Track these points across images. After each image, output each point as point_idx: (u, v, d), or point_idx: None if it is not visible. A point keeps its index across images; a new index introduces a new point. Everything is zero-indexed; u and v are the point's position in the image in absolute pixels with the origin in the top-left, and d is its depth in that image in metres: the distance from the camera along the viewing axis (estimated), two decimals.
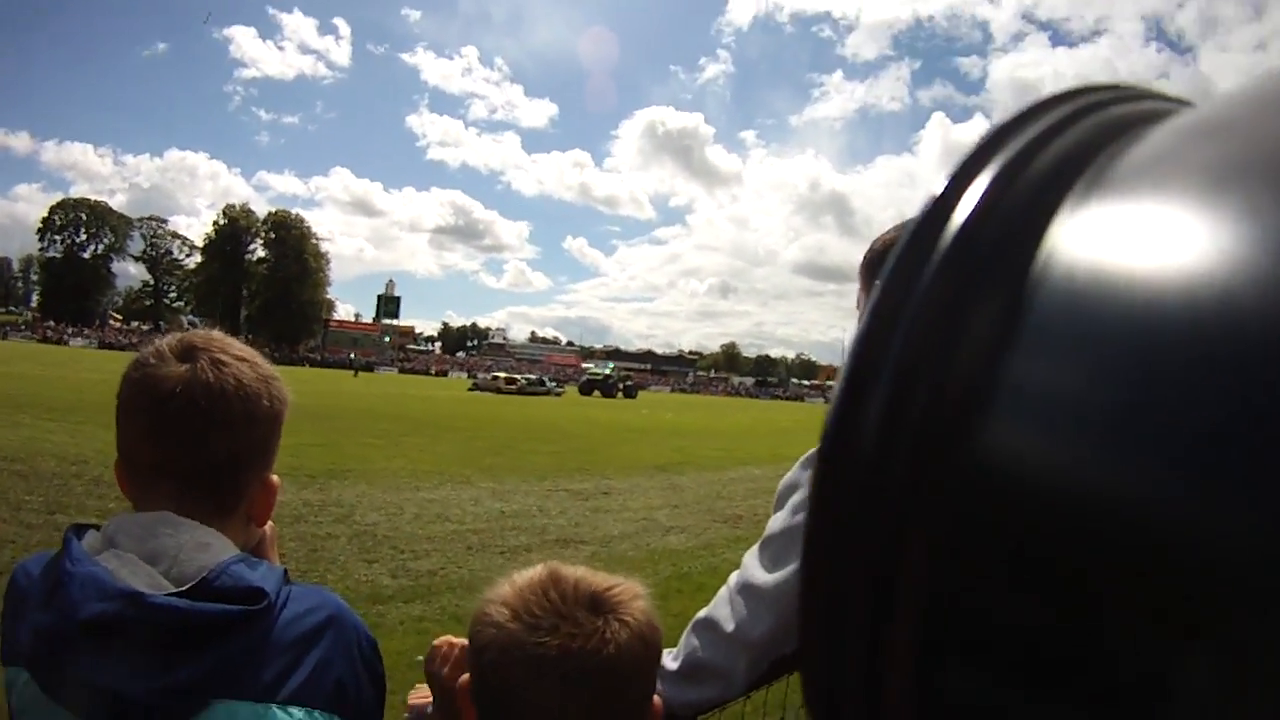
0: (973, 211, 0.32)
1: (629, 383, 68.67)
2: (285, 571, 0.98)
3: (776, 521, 1.27)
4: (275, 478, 1.06)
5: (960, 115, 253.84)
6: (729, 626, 1.25)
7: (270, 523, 1.12)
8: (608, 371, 72.35)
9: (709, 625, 1.28)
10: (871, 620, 0.31)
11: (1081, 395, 0.27)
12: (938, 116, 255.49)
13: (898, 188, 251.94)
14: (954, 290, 0.31)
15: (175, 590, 0.87)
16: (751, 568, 1.27)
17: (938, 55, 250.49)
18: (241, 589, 0.89)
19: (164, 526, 0.92)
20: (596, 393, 61.92)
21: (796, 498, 1.26)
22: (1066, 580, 0.26)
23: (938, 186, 0.34)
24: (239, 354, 1.01)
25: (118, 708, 0.83)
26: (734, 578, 1.30)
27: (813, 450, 1.26)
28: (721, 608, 1.28)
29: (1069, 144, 0.34)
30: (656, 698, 0.97)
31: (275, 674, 0.89)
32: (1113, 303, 0.28)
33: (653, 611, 0.95)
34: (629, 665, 0.89)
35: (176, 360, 0.96)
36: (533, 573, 0.94)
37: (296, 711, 0.89)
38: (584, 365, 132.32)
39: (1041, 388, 0.28)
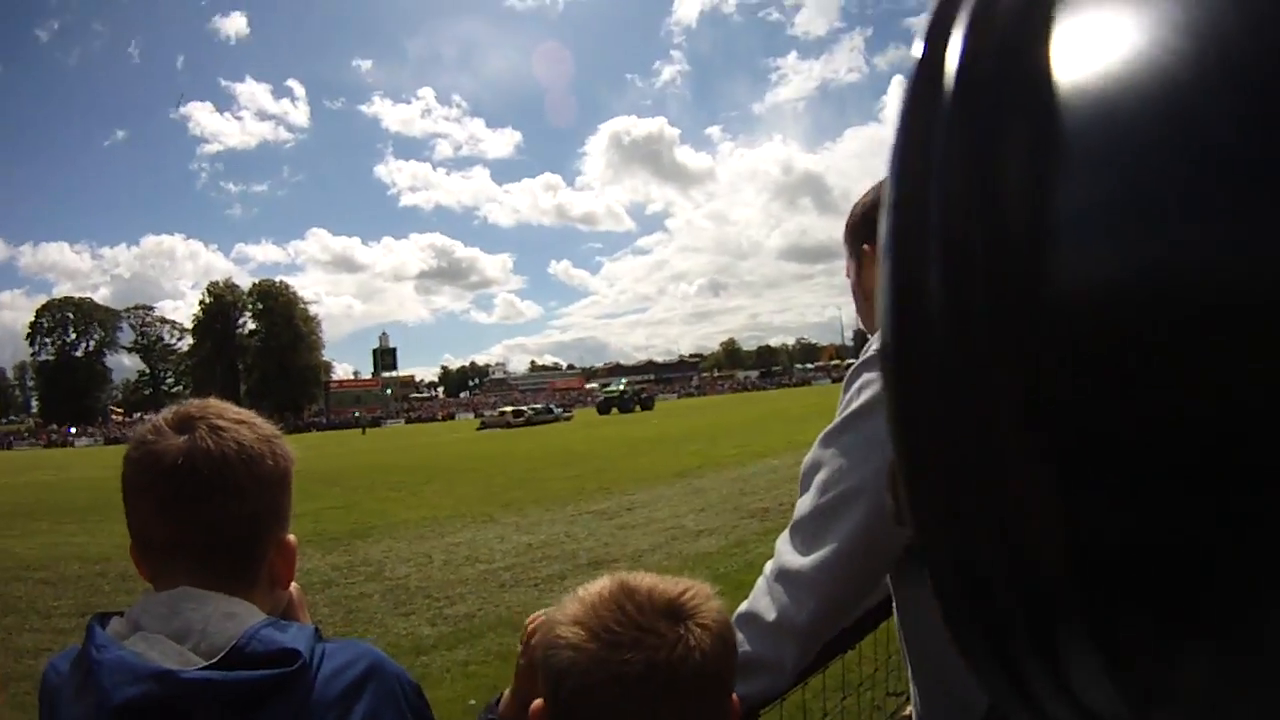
0: (968, 40, 0.31)
1: (644, 395, 68.68)
2: (317, 629, 0.97)
3: (804, 504, 1.25)
4: (292, 538, 1.05)
5: None
6: (770, 616, 1.22)
7: (295, 584, 1.10)
8: (622, 388, 72.06)
9: (750, 618, 1.26)
10: (997, 474, 0.29)
11: (1140, 189, 0.26)
12: (897, 79, 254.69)
13: (870, 157, 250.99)
14: (978, 125, 0.30)
15: (206, 664, 0.85)
16: (785, 554, 1.25)
17: (887, 20, 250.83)
18: (273, 652, 0.87)
19: (187, 602, 0.90)
20: (614, 410, 61.28)
21: (821, 476, 1.24)
22: (1191, 369, 0.25)
23: (925, 24, 0.32)
24: (236, 417, 1.00)
25: None
26: (769, 566, 1.28)
27: (830, 426, 1.26)
28: (761, 599, 1.26)
29: None
30: (735, 694, 0.96)
31: None
32: (1132, 95, 0.26)
33: (724, 609, 0.95)
34: (713, 668, 0.88)
35: (174, 433, 0.95)
36: (602, 586, 0.92)
37: None
38: (588, 386, 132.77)
39: (1096, 194, 0.27)
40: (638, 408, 62.59)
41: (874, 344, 1.26)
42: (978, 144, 0.30)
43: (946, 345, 0.30)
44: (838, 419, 1.26)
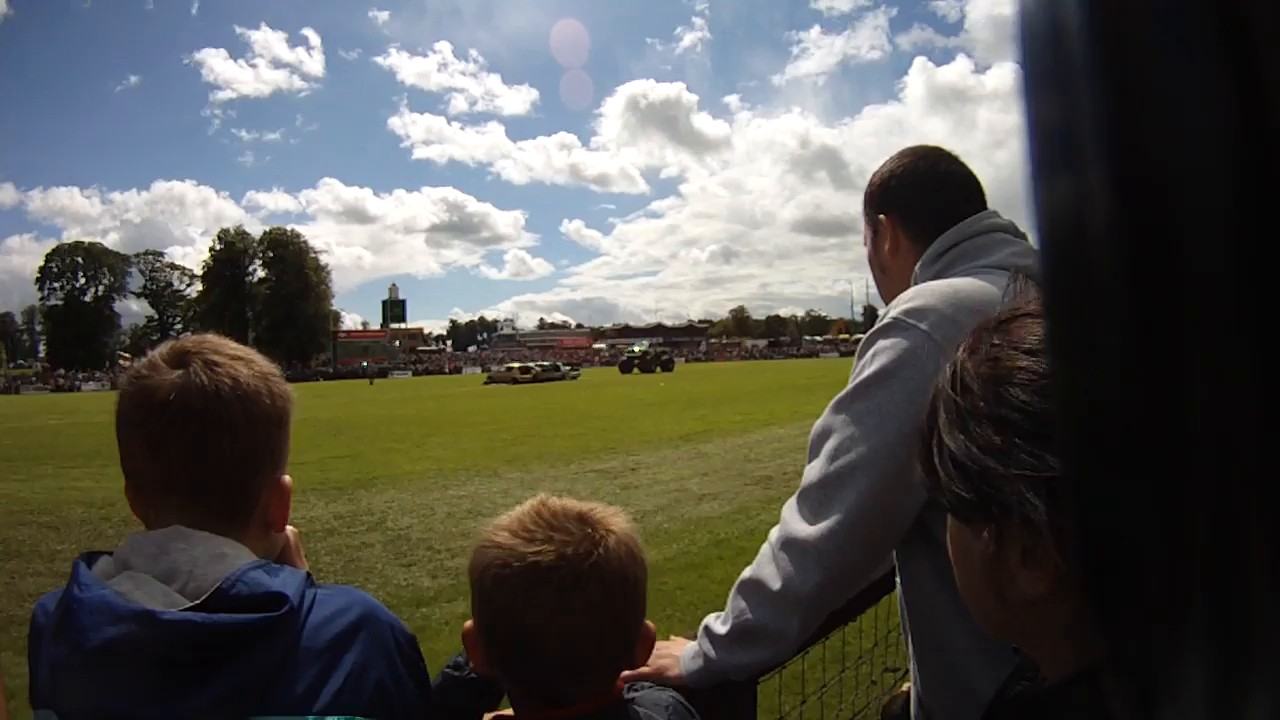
0: None
1: (665, 357, 70.63)
2: (309, 574, 0.94)
3: (812, 470, 1.23)
4: (288, 479, 1.02)
5: (942, 57, 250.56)
6: (775, 585, 1.21)
7: (292, 528, 1.08)
8: (646, 347, 75.79)
9: (755, 586, 1.25)
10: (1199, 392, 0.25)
11: None
12: (919, 61, 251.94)
13: (888, 135, 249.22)
14: None
15: (190, 605, 0.82)
16: (792, 522, 1.24)
17: (913, 1, 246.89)
18: (260, 596, 0.84)
19: (177, 541, 0.88)
20: (636, 369, 64.55)
21: (830, 444, 1.22)
22: None
23: None
24: (233, 353, 0.97)
25: None
26: (774, 533, 1.27)
27: (842, 393, 1.23)
28: (765, 566, 1.25)
29: None
30: (650, 623, 1.06)
31: (308, 684, 0.85)
32: None
33: (635, 530, 1.04)
34: (617, 571, 0.97)
35: (169, 367, 0.93)
36: (526, 503, 1.03)
37: None
38: (596, 346, 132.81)
39: None
40: (659, 369, 65.46)
41: (890, 311, 1.24)
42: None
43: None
44: (850, 385, 1.23)
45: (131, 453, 0.93)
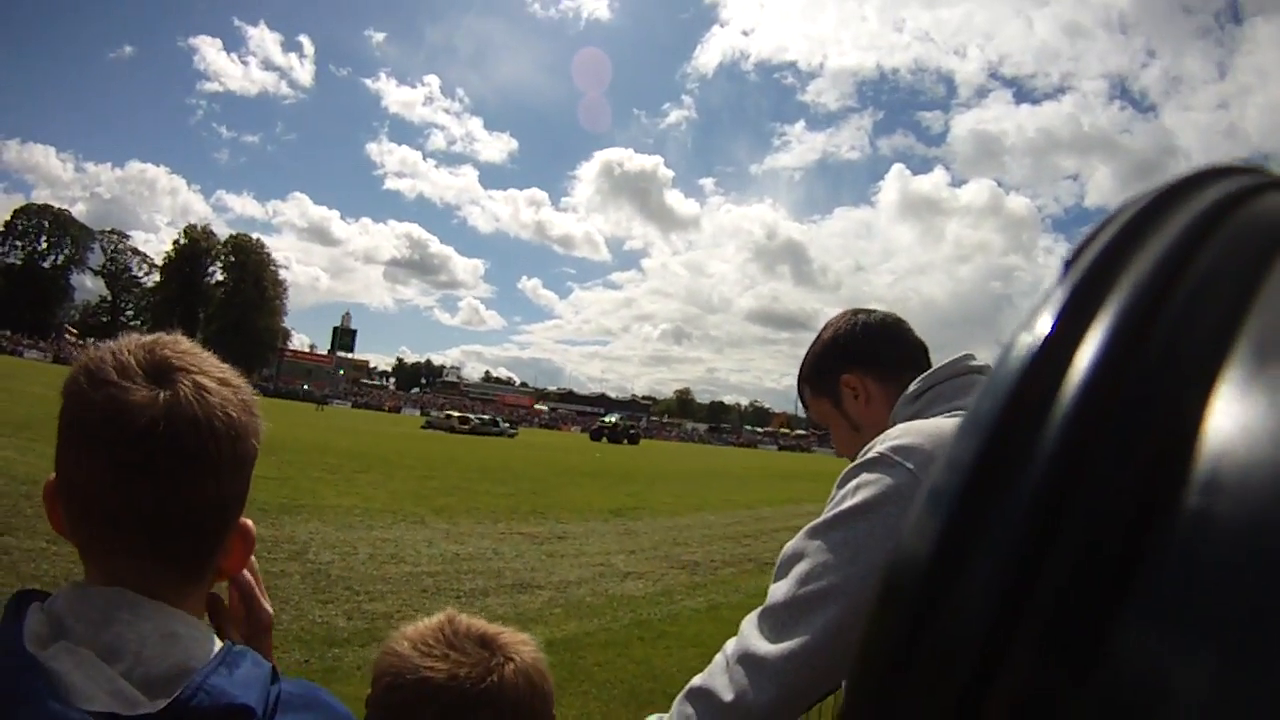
0: (1104, 365, 0.24)
1: (633, 431, 73.78)
2: (274, 668, 0.83)
3: (779, 590, 1.23)
4: (250, 523, 0.89)
5: (920, 166, 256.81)
6: (727, 696, 1.19)
7: (268, 609, 0.99)
8: (615, 420, 78.92)
9: (705, 695, 1.23)
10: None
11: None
12: (897, 168, 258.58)
13: (854, 238, 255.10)
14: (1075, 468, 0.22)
15: (146, 711, 0.70)
16: (752, 637, 1.22)
17: (900, 108, 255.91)
18: (222, 709, 0.73)
19: (122, 611, 0.75)
20: (605, 439, 67.57)
21: (802, 567, 1.22)
22: None
23: (1039, 320, 0.26)
24: (220, 376, 0.84)
25: None
26: (731, 645, 1.25)
27: (819, 520, 1.24)
28: (718, 677, 1.22)
29: (1217, 262, 0.26)
30: None
31: None
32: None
33: (543, 660, 1.03)
34: (511, 701, 0.96)
35: (148, 381, 0.78)
36: (435, 615, 1.04)
37: None
38: (537, 406, 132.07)
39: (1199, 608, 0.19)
40: (625, 440, 68.84)
41: (876, 446, 1.26)
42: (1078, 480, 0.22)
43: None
44: (828, 514, 1.24)
45: (82, 471, 0.78)
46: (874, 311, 1.59)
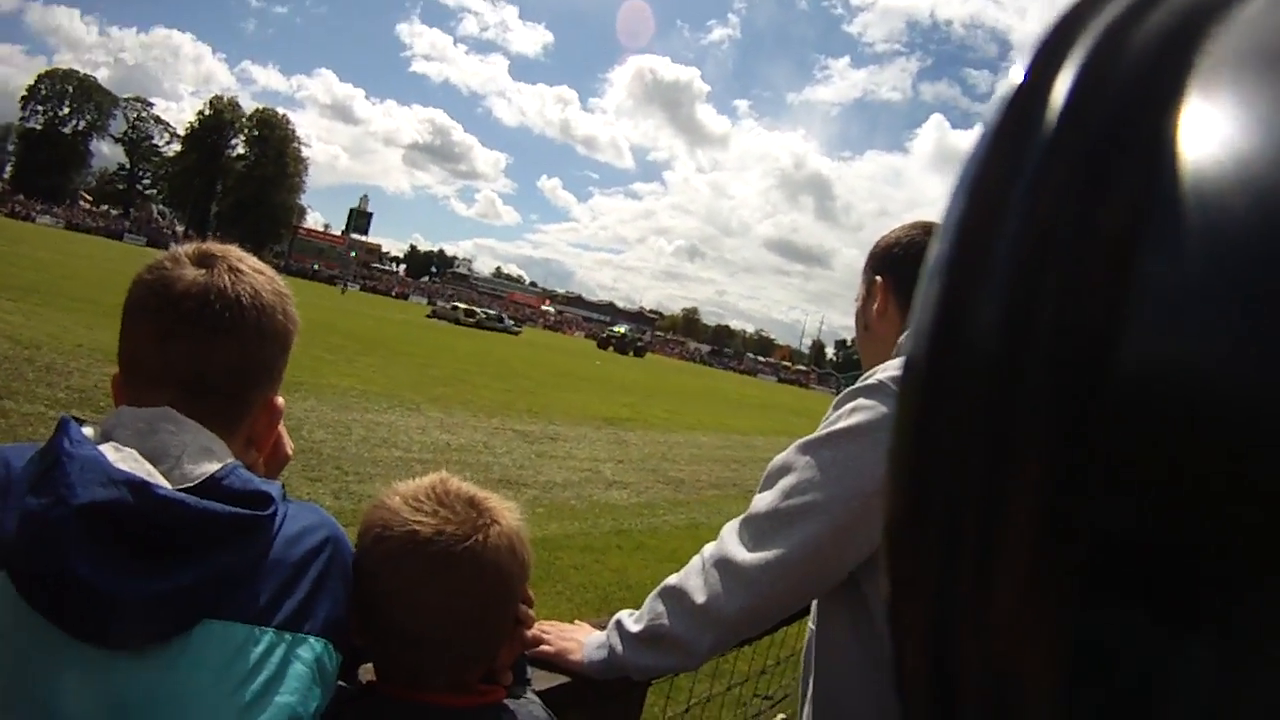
0: (1084, 75, 0.27)
1: (640, 344, 74.09)
2: (283, 487, 0.93)
3: (762, 501, 1.24)
4: (281, 400, 1.00)
5: (961, 121, 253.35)
6: (700, 599, 1.22)
7: (290, 447, 1.09)
8: (625, 331, 79.80)
9: (677, 595, 1.26)
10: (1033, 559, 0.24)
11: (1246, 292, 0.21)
12: (936, 118, 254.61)
13: (882, 183, 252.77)
14: (1078, 174, 0.25)
15: (183, 487, 0.81)
16: (730, 543, 1.25)
17: (949, 60, 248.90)
18: (249, 492, 0.84)
19: (166, 423, 0.85)
20: (611, 348, 67.02)
21: (788, 480, 1.23)
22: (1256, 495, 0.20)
23: (1034, 46, 0.29)
24: (256, 266, 0.97)
25: (98, 614, 0.75)
26: (709, 549, 1.28)
27: (811, 436, 1.25)
28: (693, 578, 1.26)
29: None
30: (529, 631, 1.09)
31: (271, 596, 0.85)
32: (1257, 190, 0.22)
33: (525, 530, 1.05)
34: (492, 561, 0.98)
35: (193, 265, 0.92)
36: (428, 476, 1.06)
37: (289, 636, 0.85)
38: (544, 307, 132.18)
39: (1192, 281, 0.22)
40: (632, 352, 68.92)
41: (876, 374, 1.26)
42: (1074, 186, 0.25)
43: (990, 387, 0.25)
44: (821, 431, 1.25)
45: (134, 340, 0.91)
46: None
